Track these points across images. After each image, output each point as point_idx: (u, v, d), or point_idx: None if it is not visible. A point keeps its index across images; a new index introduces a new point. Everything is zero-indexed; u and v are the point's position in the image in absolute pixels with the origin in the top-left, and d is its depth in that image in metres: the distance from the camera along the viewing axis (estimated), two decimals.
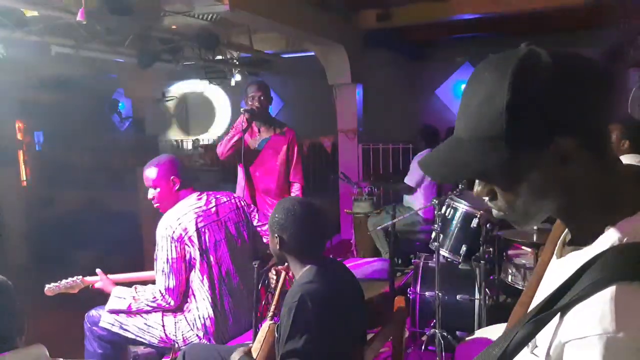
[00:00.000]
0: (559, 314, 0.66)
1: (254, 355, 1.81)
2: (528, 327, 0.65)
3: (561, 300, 0.65)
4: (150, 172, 2.55)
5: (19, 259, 7.22)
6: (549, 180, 0.72)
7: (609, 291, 0.62)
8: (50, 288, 2.63)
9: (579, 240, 0.76)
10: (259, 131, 3.57)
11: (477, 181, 0.79)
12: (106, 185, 8.30)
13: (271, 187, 3.56)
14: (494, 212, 0.79)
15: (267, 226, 1.90)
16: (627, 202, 0.71)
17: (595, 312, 0.62)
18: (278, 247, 1.80)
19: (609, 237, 0.69)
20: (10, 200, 7.75)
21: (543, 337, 0.69)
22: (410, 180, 4.61)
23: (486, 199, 0.79)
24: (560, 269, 0.76)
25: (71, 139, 9.17)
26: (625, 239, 0.67)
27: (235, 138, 3.40)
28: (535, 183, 0.73)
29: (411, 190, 4.64)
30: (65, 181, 8.48)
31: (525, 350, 0.71)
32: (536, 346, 0.71)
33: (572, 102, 0.69)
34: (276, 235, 1.79)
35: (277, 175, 3.55)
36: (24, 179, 9.65)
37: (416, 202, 4.60)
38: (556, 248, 0.82)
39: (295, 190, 3.60)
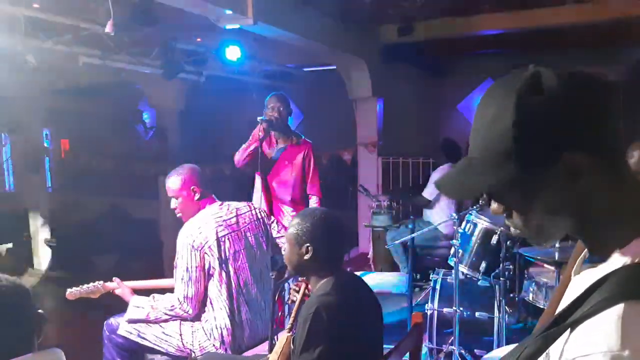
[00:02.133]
0: (568, 330, 0.65)
1: None
2: (537, 342, 0.65)
3: (571, 317, 0.65)
4: (172, 182, 2.58)
5: (43, 263, 7.34)
6: (561, 197, 0.72)
7: (617, 309, 0.62)
8: (71, 292, 2.66)
9: (595, 257, 0.75)
10: (277, 142, 3.59)
11: (492, 199, 0.79)
12: (129, 193, 8.43)
13: (286, 197, 3.56)
14: (512, 229, 0.80)
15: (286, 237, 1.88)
16: None
17: (602, 329, 0.62)
18: (305, 257, 1.77)
19: (622, 256, 0.69)
20: (35, 205, 7.91)
21: (554, 352, 0.69)
22: (428, 193, 4.58)
23: (500, 211, 0.79)
24: (576, 286, 0.76)
25: (96, 147, 9.34)
26: (638, 259, 0.67)
27: (252, 147, 3.40)
28: (547, 200, 0.73)
29: (429, 204, 4.60)
30: (89, 188, 8.63)
31: None
32: None
33: (578, 119, 0.69)
34: (307, 245, 1.77)
35: (293, 186, 3.56)
36: (49, 185, 9.84)
37: (436, 217, 4.55)
38: (575, 265, 0.82)
39: (313, 203, 3.60)
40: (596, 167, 0.70)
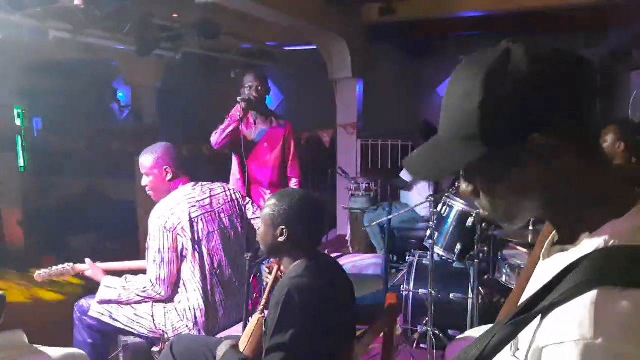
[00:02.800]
0: (539, 316, 0.64)
1: (241, 348, 1.80)
2: (507, 328, 0.63)
3: (542, 303, 0.63)
4: (145, 160, 2.54)
5: (17, 245, 7.21)
6: (528, 178, 0.71)
7: (590, 296, 0.60)
8: (40, 274, 2.61)
9: (565, 241, 0.74)
10: (255, 122, 3.54)
11: (461, 179, 0.78)
12: (104, 173, 8.29)
13: (266, 180, 3.54)
14: (480, 210, 0.79)
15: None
16: (615, 203, 0.69)
17: (574, 317, 0.60)
18: (280, 239, 1.76)
19: (595, 240, 0.67)
20: (8, 185, 7.73)
21: (523, 339, 0.67)
22: (405, 175, 4.60)
23: (469, 191, 0.78)
24: (546, 269, 0.74)
25: (70, 126, 9.14)
26: (611, 242, 0.65)
27: (231, 127, 3.34)
28: (515, 182, 0.72)
29: (407, 186, 4.61)
30: (63, 168, 8.47)
31: (508, 352, 0.69)
32: (518, 349, 0.69)
33: (548, 100, 0.68)
34: (282, 227, 1.75)
35: (272, 168, 3.53)
36: (22, 164, 9.63)
37: (413, 199, 4.58)
38: (544, 248, 0.81)
39: (293, 185, 3.59)
40: (567, 149, 0.68)
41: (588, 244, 0.68)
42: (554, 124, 0.68)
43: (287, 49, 6.97)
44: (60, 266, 2.63)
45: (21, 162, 9.70)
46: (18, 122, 9.46)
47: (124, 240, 6.06)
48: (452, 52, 8.43)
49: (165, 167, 2.52)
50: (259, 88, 3.41)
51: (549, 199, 0.72)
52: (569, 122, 0.68)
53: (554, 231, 0.78)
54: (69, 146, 9.24)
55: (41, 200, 7.92)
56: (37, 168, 9.38)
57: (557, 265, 0.67)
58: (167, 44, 4.78)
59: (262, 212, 1.83)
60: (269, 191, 3.52)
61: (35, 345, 1.34)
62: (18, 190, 7.81)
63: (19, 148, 9.59)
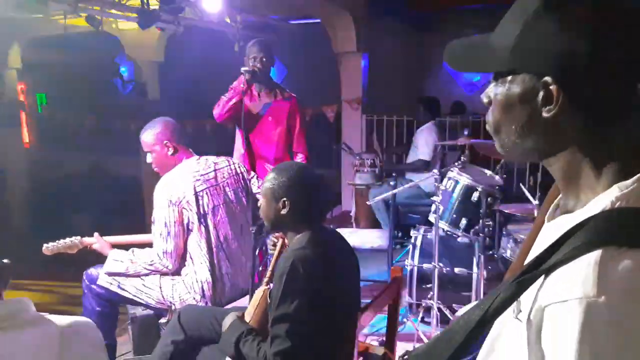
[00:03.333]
0: (542, 276, 0.64)
1: (247, 319, 1.82)
2: (510, 288, 0.63)
3: (546, 263, 0.63)
4: (145, 137, 2.55)
5: (21, 219, 7.27)
6: (530, 117, 0.71)
7: (594, 255, 0.60)
8: (48, 247, 2.64)
9: (570, 203, 0.73)
10: (259, 95, 3.41)
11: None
12: (108, 150, 8.29)
13: (271, 155, 3.45)
14: (487, 125, 0.79)
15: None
16: (624, 165, 0.68)
17: (578, 275, 0.60)
18: (282, 212, 1.77)
19: (601, 201, 0.67)
20: (12, 161, 7.76)
21: (525, 301, 0.67)
22: (424, 154, 4.55)
23: (485, 101, 0.79)
24: (550, 231, 0.74)
25: (73, 102, 9.11)
26: (618, 204, 0.65)
27: (234, 100, 3.22)
28: (519, 116, 0.72)
29: (427, 166, 4.51)
30: (67, 144, 8.48)
31: (510, 315, 0.69)
32: (520, 311, 0.69)
33: (580, 49, 0.65)
34: (283, 199, 1.76)
35: (277, 143, 3.42)
36: (27, 140, 9.64)
37: (418, 174, 4.57)
38: (548, 211, 0.80)
39: (299, 160, 3.52)
40: (573, 106, 0.67)
41: (594, 206, 0.67)
42: (569, 75, 0.66)
43: (291, 22, 6.88)
44: (68, 239, 2.66)
45: (26, 138, 9.72)
46: (22, 97, 9.44)
47: (130, 216, 6.10)
48: (458, 26, 8.32)
49: (165, 141, 2.52)
50: (264, 59, 3.28)
51: (548, 149, 0.72)
52: (587, 81, 0.66)
53: (559, 195, 0.78)
54: (73, 122, 9.22)
55: (46, 176, 7.96)
56: (42, 144, 9.40)
57: (562, 227, 0.67)
58: (168, 16, 4.73)
59: (262, 187, 1.84)
60: (273, 167, 3.48)
61: (42, 313, 1.36)
62: (23, 166, 7.84)
63: (23, 124, 9.60)
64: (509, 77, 0.72)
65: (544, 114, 0.69)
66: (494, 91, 0.76)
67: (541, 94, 0.68)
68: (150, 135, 2.53)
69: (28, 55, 7.77)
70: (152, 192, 2.55)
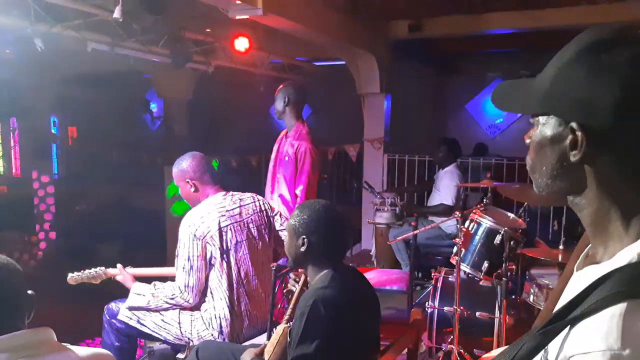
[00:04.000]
0: (568, 326, 0.64)
1: (266, 357, 1.80)
2: (536, 338, 0.64)
3: (572, 314, 0.63)
4: (173, 172, 2.62)
5: (48, 249, 7.38)
6: (559, 160, 0.72)
7: (619, 307, 0.60)
8: (72, 277, 2.67)
9: (599, 252, 0.73)
10: (286, 136, 3.53)
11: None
12: (134, 182, 8.45)
13: (283, 192, 3.49)
14: (527, 167, 0.81)
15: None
16: None
17: (602, 327, 0.60)
18: (301, 249, 1.77)
19: (627, 253, 0.67)
20: (41, 192, 7.95)
21: (552, 350, 0.67)
22: (447, 199, 4.51)
23: (527, 142, 0.80)
24: (579, 281, 0.74)
25: (103, 136, 9.37)
26: None
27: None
28: (549, 158, 0.74)
29: (451, 211, 4.36)
30: (95, 176, 8.67)
31: None
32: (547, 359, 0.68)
33: (607, 98, 0.66)
34: (303, 237, 1.77)
35: (288, 181, 3.40)
36: (56, 172, 9.90)
37: (446, 215, 4.52)
38: (578, 261, 0.80)
39: (299, 191, 3.37)
40: (601, 153, 0.67)
41: (621, 257, 0.67)
42: (597, 123, 0.67)
43: (316, 64, 7.03)
44: (92, 270, 2.69)
45: (56, 169, 9.98)
46: (54, 130, 9.77)
47: (152, 248, 6.15)
48: (480, 68, 8.42)
49: (187, 179, 2.57)
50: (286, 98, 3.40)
51: (578, 195, 0.73)
52: (616, 127, 0.66)
53: (589, 244, 0.78)
54: (102, 155, 9.46)
55: (73, 206, 8.11)
56: (71, 175, 9.63)
57: (590, 277, 0.67)
58: (200, 57, 4.89)
59: (287, 224, 1.86)
60: (283, 206, 3.47)
61: (63, 344, 1.37)
62: (52, 197, 8.01)
63: (54, 156, 9.89)
64: (543, 120, 0.74)
65: (571, 158, 0.70)
66: (533, 132, 0.78)
67: (569, 138, 0.70)
68: (175, 171, 2.60)
69: (62, 90, 8.07)
70: (174, 225, 2.58)
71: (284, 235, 2.66)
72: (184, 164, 2.59)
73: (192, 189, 2.58)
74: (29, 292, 1.33)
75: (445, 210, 4.54)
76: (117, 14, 3.06)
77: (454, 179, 4.55)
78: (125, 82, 8.29)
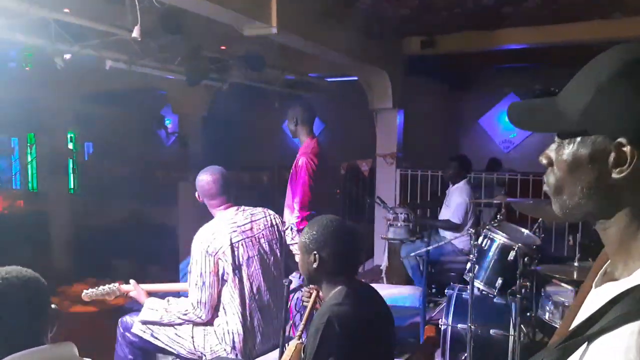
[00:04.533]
0: (586, 343, 0.64)
1: None
2: (554, 354, 0.64)
3: (590, 330, 0.64)
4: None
5: (63, 264, 7.47)
6: (598, 178, 0.71)
7: (637, 324, 0.60)
8: (87, 293, 2.70)
9: (618, 270, 0.74)
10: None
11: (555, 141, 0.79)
12: (149, 198, 8.53)
13: (290, 204, 3.49)
14: (544, 186, 0.79)
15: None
16: None
17: (622, 344, 0.60)
18: (314, 266, 1.78)
19: None
20: (57, 207, 8.07)
21: None
22: (455, 217, 4.50)
23: (544, 162, 0.79)
24: (596, 299, 0.74)
25: (119, 152, 9.50)
26: None
27: None
28: (586, 177, 0.72)
29: (459, 228, 4.44)
30: (110, 192, 8.77)
31: None
32: None
33: None
34: (314, 253, 1.78)
35: (293, 193, 3.44)
36: (72, 187, 10.04)
37: (452, 231, 4.51)
38: (596, 278, 0.80)
39: (295, 203, 3.38)
40: None
41: (639, 275, 0.67)
42: None
43: (328, 80, 7.09)
44: (107, 286, 2.72)
45: (71, 185, 10.13)
46: (70, 145, 9.93)
47: (165, 264, 6.19)
48: (493, 83, 8.42)
49: (197, 194, 2.63)
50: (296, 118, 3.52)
51: (608, 213, 0.72)
52: None
53: (607, 261, 0.78)
54: (117, 170, 9.58)
55: (88, 222, 8.20)
56: (86, 191, 9.76)
57: (608, 294, 0.67)
58: (215, 74, 4.97)
59: (299, 241, 1.87)
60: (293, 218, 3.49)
61: (85, 359, 1.39)
62: (67, 211, 8.12)
63: (70, 171, 10.04)
64: (578, 138, 0.73)
65: (614, 175, 0.70)
66: (557, 152, 0.76)
67: (613, 155, 0.69)
68: (196, 184, 2.65)
69: (80, 107, 8.22)
70: (187, 240, 2.61)
71: (295, 249, 2.68)
72: (198, 180, 2.63)
73: (203, 203, 2.63)
74: (53, 306, 1.36)
75: (451, 227, 4.54)
76: (135, 33, 3.13)
77: (463, 196, 4.54)
78: (141, 99, 8.42)
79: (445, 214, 4.74)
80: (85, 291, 2.70)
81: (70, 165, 10.06)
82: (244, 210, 2.66)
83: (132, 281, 2.73)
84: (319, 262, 1.77)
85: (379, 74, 6.05)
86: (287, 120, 3.58)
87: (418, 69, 6.52)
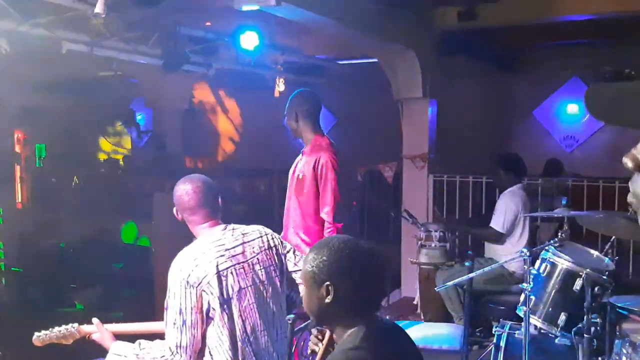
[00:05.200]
0: None
1: None
2: None
3: None
4: None
5: (9, 295, 7.51)
6: None
7: None
8: (39, 337, 2.70)
9: None
10: (302, 152, 3.63)
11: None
12: (117, 212, 8.59)
13: (300, 222, 3.55)
14: (629, 196, 0.79)
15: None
16: None
17: None
18: (326, 301, 1.76)
19: None
20: (4, 224, 8.13)
21: None
22: (499, 224, 4.51)
23: (629, 166, 0.79)
24: None
25: (77, 155, 9.56)
26: None
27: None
28: None
29: (500, 238, 4.52)
30: (68, 204, 8.82)
31: None
32: None
33: None
34: (326, 284, 1.75)
35: (306, 206, 3.52)
36: (19, 200, 10.11)
37: (502, 252, 4.50)
38: None
39: (325, 214, 3.48)
40: None
41: None
42: None
43: (341, 62, 7.12)
44: (63, 327, 2.72)
45: (19, 197, 10.19)
46: (17, 148, 10.01)
47: (137, 294, 6.21)
48: (550, 65, 8.39)
49: (175, 209, 2.64)
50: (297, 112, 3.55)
51: None
52: None
53: None
54: (77, 179, 9.64)
55: (40, 242, 8.25)
56: (38, 204, 9.82)
57: None
58: (198, 57, 5.00)
59: (302, 271, 1.85)
60: (305, 237, 3.52)
61: None
62: (15, 229, 8.17)
63: (17, 180, 10.11)
64: None
65: None
66: None
67: None
68: (173, 196, 2.66)
69: (30, 100, 8.30)
70: (164, 266, 2.60)
71: (298, 277, 2.67)
72: (175, 191, 2.63)
73: (182, 219, 2.63)
74: None
75: (492, 236, 4.57)
76: (99, 8, 3.16)
77: (513, 200, 4.54)
78: (106, 89, 8.48)
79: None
80: (36, 334, 2.70)
81: (18, 173, 10.14)
82: (233, 229, 2.66)
83: (95, 320, 2.72)
84: (334, 295, 1.74)
85: (404, 54, 6.06)
86: (286, 116, 3.57)
87: (455, 48, 6.52)
